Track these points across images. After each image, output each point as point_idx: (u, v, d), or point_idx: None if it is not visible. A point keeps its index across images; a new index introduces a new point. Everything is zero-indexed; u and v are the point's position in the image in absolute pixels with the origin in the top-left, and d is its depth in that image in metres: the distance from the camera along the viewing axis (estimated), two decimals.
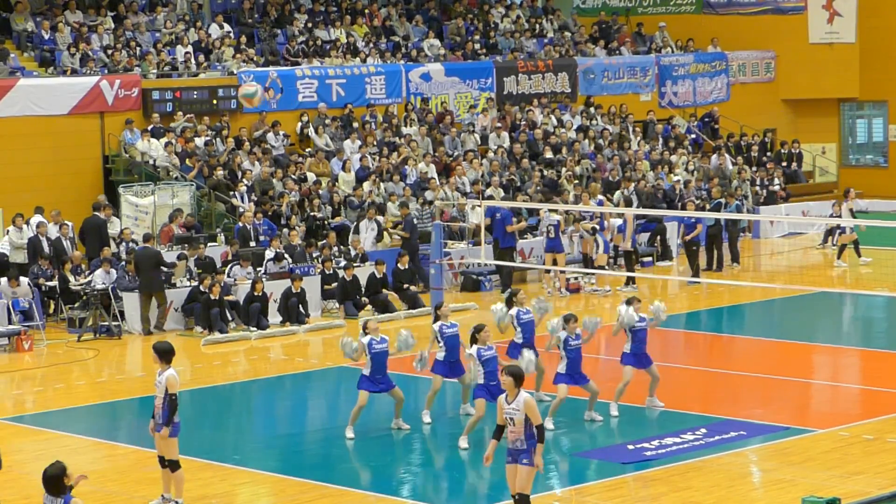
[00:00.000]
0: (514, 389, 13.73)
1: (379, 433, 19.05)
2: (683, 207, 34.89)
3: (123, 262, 27.76)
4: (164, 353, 15.55)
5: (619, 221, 30.79)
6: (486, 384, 18.01)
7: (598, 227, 30.78)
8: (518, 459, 13.76)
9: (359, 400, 18.69)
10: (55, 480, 11.52)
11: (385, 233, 32.03)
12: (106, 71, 33.47)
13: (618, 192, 35.07)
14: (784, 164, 41.96)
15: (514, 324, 20.09)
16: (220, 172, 31.87)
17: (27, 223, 28.82)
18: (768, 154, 42.51)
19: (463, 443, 18.04)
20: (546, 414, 18.48)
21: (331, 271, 28.86)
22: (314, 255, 29.69)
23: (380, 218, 32.14)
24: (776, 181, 38.69)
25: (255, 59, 36.08)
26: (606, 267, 30.76)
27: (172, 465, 15.56)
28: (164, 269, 27.19)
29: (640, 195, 35.13)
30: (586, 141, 38.46)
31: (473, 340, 18.28)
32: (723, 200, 34.09)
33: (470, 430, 18.11)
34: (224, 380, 23.59)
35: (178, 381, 15.48)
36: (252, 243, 29.63)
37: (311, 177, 33.18)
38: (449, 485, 17.17)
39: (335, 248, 30.09)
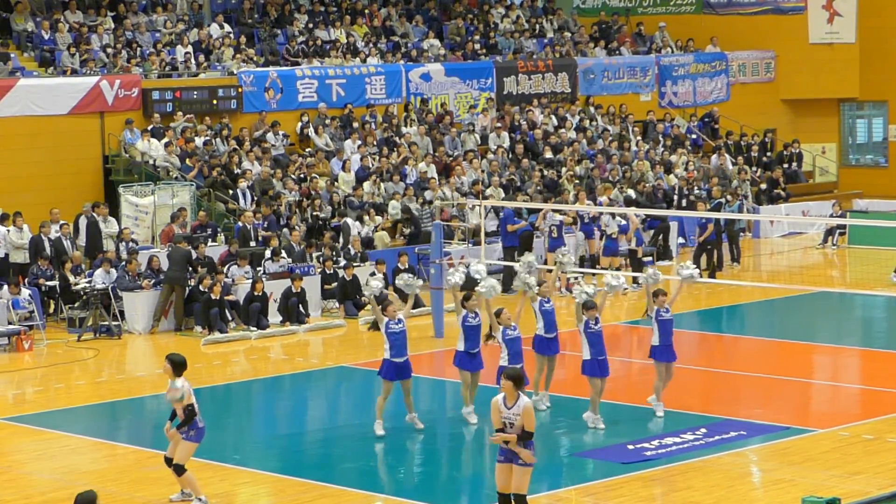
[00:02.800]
0: (513, 392, 13.29)
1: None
2: (685, 207, 34.93)
3: (124, 263, 27.77)
4: (178, 366, 15.58)
5: (624, 222, 30.76)
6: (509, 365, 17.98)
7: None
8: (513, 460, 13.45)
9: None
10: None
11: (384, 232, 32.10)
12: (106, 71, 33.47)
13: (615, 192, 35.09)
14: (785, 164, 41.98)
15: (536, 312, 20.05)
16: (216, 172, 31.86)
17: None
18: (768, 154, 42.52)
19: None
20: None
21: (331, 271, 28.86)
22: (314, 255, 29.70)
23: (378, 218, 32.23)
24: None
25: (255, 59, 36.09)
26: (621, 266, 30.67)
27: (177, 469, 15.52)
28: (191, 268, 27.30)
29: (641, 195, 35.16)
30: (584, 141, 38.47)
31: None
32: (723, 200, 34.10)
33: None
34: (224, 380, 23.58)
35: (190, 391, 15.51)
36: (252, 243, 29.64)
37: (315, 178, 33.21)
38: (449, 484, 17.17)
39: (324, 249, 30.00)
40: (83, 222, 29.64)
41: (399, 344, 18.56)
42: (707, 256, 31.66)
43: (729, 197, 35.52)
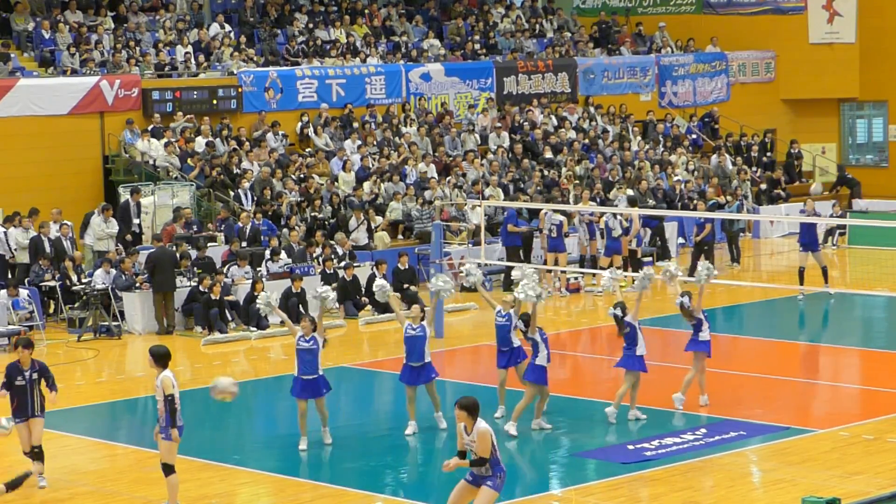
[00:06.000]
0: (469, 420, 13.23)
1: (379, 433, 19.04)
2: (685, 207, 34.92)
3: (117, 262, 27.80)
4: (159, 357, 15.39)
5: (627, 224, 30.76)
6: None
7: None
8: (481, 483, 13.31)
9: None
10: None
11: (384, 232, 32.12)
12: (106, 71, 33.48)
13: (613, 191, 35.10)
14: (794, 165, 42.11)
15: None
16: (215, 172, 31.88)
17: None
18: (768, 154, 42.52)
19: (511, 429, 18.18)
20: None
21: (331, 271, 28.86)
22: (315, 255, 29.70)
23: (378, 218, 32.24)
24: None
25: (255, 59, 36.09)
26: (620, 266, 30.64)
27: (166, 469, 15.39)
28: (177, 269, 27.26)
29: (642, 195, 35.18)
30: (586, 141, 38.49)
31: (526, 325, 18.51)
32: (718, 201, 34.06)
33: (518, 414, 18.27)
34: None
35: (173, 382, 15.29)
36: (244, 243, 29.58)
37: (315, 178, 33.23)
38: (449, 485, 17.15)
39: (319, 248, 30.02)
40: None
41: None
42: (704, 256, 31.61)
43: (729, 198, 35.50)
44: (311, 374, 18.35)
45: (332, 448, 18.45)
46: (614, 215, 30.22)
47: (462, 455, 13.35)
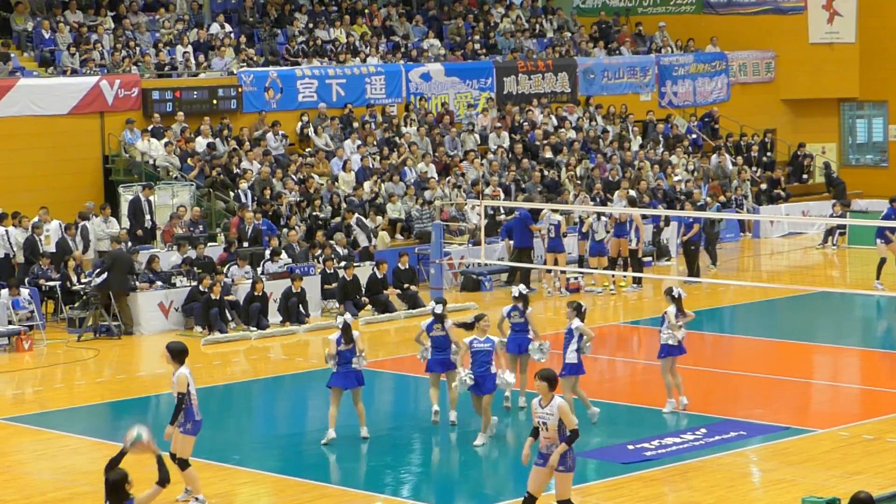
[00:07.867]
0: (548, 394, 13.61)
1: (379, 433, 19.04)
2: (682, 208, 34.91)
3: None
4: (176, 354, 15.68)
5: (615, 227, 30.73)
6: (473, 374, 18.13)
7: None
8: (554, 466, 13.63)
9: None
10: (117, 487, 11.35)
11: (384, 232, 32.11)
12: (106, 71, 33.48)
13: (617, 193, 35.09)
14: (802, 171, 42.19)
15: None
16: (215, 172, 31.88)
17: None
18: (768, 154, 42.53)
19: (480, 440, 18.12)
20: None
21: (331, 271, 28.86)
22: (316, 254, 29.70)
23: (379, 218, 32.23)
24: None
25: (255, 59, 36.09)
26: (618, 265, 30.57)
27: (181, 464, 15.55)
28: (132, 276, 27.04)
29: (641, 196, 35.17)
30: (586, 140, 38.49)
31: (471, 328, 18.37)
32: (705, 201, 34.02)
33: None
34: (224, 380, 23.59)
35: (188, 379, 15.53)
36: (245, 244, 29.59)
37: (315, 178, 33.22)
38: (449, 485, 17.17)
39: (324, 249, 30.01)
40: (126, 207, 29.93)
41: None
42: (689, 257, 31.54)
43: (709, 199, 35.39)
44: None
45: (333, 448, 18.46)
46: (598, 217, 30.16)
47: (535, 434, 13.72)
